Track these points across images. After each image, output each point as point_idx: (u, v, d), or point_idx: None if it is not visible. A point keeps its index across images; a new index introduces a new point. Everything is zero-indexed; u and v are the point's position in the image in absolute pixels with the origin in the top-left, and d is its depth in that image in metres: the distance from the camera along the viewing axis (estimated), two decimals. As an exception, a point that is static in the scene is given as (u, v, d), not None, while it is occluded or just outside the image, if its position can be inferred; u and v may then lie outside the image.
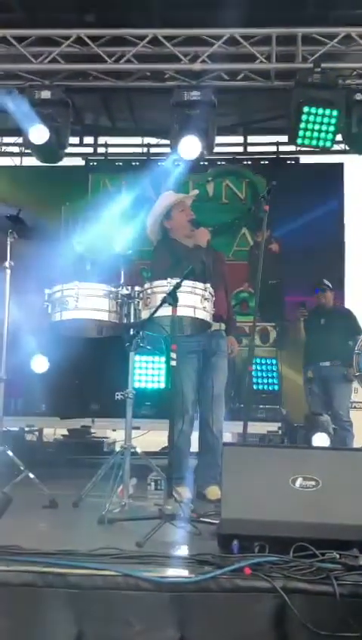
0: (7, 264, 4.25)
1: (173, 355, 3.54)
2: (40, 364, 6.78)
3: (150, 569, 2.48)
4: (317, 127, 6.23)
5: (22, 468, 4.01)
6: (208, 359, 4.73)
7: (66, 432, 7.77)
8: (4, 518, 2.68)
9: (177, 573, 2.46)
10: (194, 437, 4.71)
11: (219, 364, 4.72)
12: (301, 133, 6.35)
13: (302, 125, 6.31)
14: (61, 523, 3.70)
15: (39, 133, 6.39)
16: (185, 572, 2.46)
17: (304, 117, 6.25)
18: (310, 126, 6.31)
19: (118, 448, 4.13)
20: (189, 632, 2.37)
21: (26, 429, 7.26)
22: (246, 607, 2.39)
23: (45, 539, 3.03)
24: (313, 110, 6.25)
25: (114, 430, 7.55)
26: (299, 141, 6.38)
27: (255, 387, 6.48)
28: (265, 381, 6.59)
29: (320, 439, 5.69)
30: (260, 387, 6.55)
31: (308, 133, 6.29)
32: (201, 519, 3.33)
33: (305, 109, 6.23)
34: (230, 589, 2.39)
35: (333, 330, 6.79)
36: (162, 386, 6.82)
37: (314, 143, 6.31)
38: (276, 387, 6.61)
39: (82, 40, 6.48)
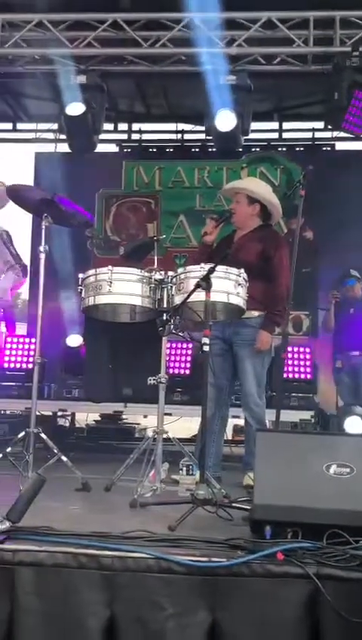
0: (41, 248, 4.26)
1: (206, 340, 3.52)
2: (74, 340, 6.85)
3: (182, 552, 2.47)
4: (358, 112, 6.14)
5: (55, 451, 4.04)
6: (231, 348, 4.70)
7: (98, 418, 7.82)
8: (37, 499, 2.68)
9: (209, 557, 2.44)
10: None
11: (239, 353, 4.65)
12: (347, 117, 6.26)
13: (349, 109, 6.22)
14: (93, 506, 3.72)
15: (76, 107, 6.42)
16: (217, 556, 2.44)
17: (353, 101, 6.16)
18: (354, 111, 6.23)
19: (149, 434, 4.12)
20: (221, 616, 2.37)
21: (59, 413, 7.32)
22: (278, 592, 2.37)
23: (77, 521, 3.04)
24: (359, 95, 6.17)
25: (145, 417, 7.57)
26: (343, 125, 6.29)
27: (288, 375, 6.42)
28: (299, 370, 6.54)
29: (354, 423, 5.65)
30: (294, 376, 6.50)
31: (351, 119, 6.20)
32: (233, 505, 3.31)
33: (356, 92, 6.14)
34: (262, 574, 2.38)
35: None
36: (188, 372, 6.81)
37: (355, 128, 6.22)
38: (309, 375, 6.54)
39: (118, 24, 6.46)
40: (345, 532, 2.51)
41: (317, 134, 8.97)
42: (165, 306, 3.99)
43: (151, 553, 2.43)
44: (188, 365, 6.86)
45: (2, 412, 7.04)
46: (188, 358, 6.89)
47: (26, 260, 6.75)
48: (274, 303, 4.64)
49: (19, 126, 9.41)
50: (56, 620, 2.40)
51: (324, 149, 8.99)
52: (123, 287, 3.97)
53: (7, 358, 6.90)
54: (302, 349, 6.72)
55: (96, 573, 2.42)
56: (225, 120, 6.36)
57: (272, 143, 9.14)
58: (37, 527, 2.65)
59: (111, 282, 3.94)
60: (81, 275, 4.09)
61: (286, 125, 9.19)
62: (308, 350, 6.76)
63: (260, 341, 4.57)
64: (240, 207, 4.76)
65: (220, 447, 4.74)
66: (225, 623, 2.37)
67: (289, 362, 6.52)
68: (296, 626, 2.35)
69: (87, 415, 7.79)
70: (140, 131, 9.44)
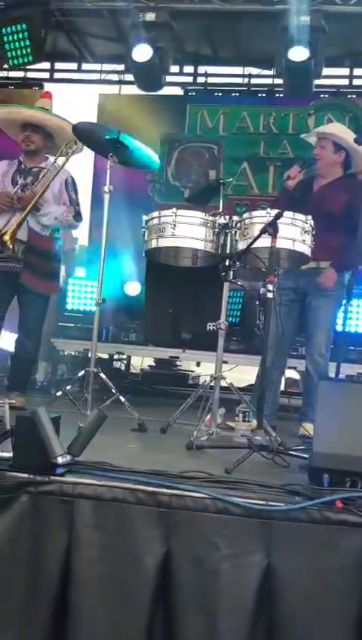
0: (106, 188, 4.23)
1: (270, 287, 3.47)
2: (133, 288, 6.87)
3: (239, 495, 2.47)
4: None
5: (113, 391, 4.08)
6: (304, 299, 4.63)
7: (153, 363, 7.87)
8: (95, 437, 2.71)
9: (267, 500, 2.44)
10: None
11: (313, 303, 4.61)
12: None
13: None
14: (150, 446, 3.77)
15: (143, 52, 6.32)
16: (274, 500, 2.44)
17: None
18: None
19: (207, 379, 4.12)
20: (276, 560, 2.38)
21: (115, 356, 7.39)
22: (334, 540, 2.36)
23: (135, 459, 3.07)
24: None
25: (198, 365, 7.58)
26: None
27: (347, 328, 6.29)
28: (359, 322, 6.40)
29: None
30: (354, 329, 6.36)
31: None
32: (290, 452, 3.30)
33: None
34: (320, 520, 2.38)
35: None
36: (238, 321, 6.75)
37: None
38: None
39: None
40: None
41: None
42: (228, 251, 3.95)
43: (208, 493, 2.45)
44: (238, 314, 6.81)
45: (61, 352, 7.14)
46: (239, 306, 6.83)
47: (86, 203, 6.77)
48: (355, 255, 4.53)
49: (84, 66, 9.30)
50: (113, 552, 2.45)
51: (396, 97, 8.64)
52: (186, 231, 3.93)
53: (67, 300, 6.96)
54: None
55: (154, 510, 2.45)
56: (299, 53, 6.16)
57: (342, 90, 8.81)
58: (97, 463, 2.69)
59: (174, 225, 3.90)
60: (144, 217, 4.06)
61: (357, 71, 8.84)
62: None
63: (325, 277, 4.49)
64: (325, 153, 4.64)
65: (277, 397, 4.73)
66: (280, 566, 2.37)
67: (350, 315, 6.38)
68: (352, 575, 2.34)
69: (142, 359, 7.85)
70: (206, 74, 9.20)
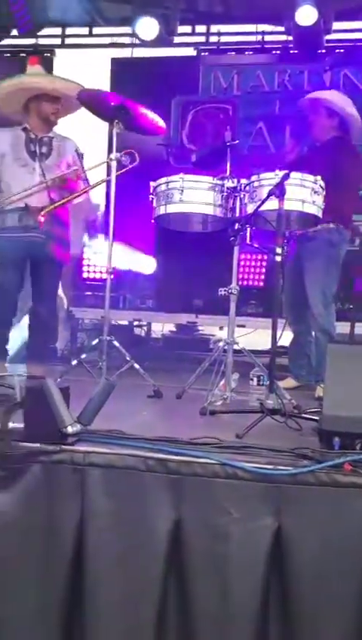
0: (112, 156, 4.18)
1: (279, 250, 3.43)
2: (147, 266, 6.85)
3: (248, 459, 2.49)
4: None
5: (128, 358, 4.09)
6: (303, 264, 4.62)
7: (174, 328, 7.88)
8: (109, 404, 2.73)
9: (275, 464, 2.45)
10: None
11: (304, 266, 4.62)
12: None
13: None
14: (164, 412, 3.79)
15: (148, 27, 6.22)
16: (283, 464, 2.45)
17: None
18: None
19: (220, 345, 4.11)
20: (286, 523, 2.39)
21: (135, 323, 7.42)
22: (343, 502, 2.37)
23: (148, 426, 3.09)
24: None
25: (221, 329, 7.57)
26: None
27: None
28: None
29: None
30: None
31: None
32: (303, 415, 3.30)
33: None
34: (328, 483, 2.38)
35: None
36: (262, 284, 6.73)
37: None
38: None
39: None
40: None
41: None
42: (238, 215, 3.91)
43: (217, 459, 2.46)
44: (262, 277, 6.77)
45: (80, 321, 7.18)
46: (263, 270, 6.80)
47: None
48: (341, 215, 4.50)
49: (95, 30, 9.17)
50: (125, 520, 2.47)
51: None
52: (194, 196, 3.89)
53: (85, 269, 6.96)
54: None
55: (164, 477, 2.47)
56: (307, 14, 6.04)
57: (358, 44, 8.59)
58: (108, 431, 2.71)
59: (182, 190, 3.86)
60: (152, 184, 4.02)
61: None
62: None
63: None
64: (318, 118, 4.61)
65: (312, 359, 4.76)
66: (290, 529, 2.39)
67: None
68: (360, 537, 2.35)
69: (162, 325, 7.87)
70: (219, 33, 9.02)
